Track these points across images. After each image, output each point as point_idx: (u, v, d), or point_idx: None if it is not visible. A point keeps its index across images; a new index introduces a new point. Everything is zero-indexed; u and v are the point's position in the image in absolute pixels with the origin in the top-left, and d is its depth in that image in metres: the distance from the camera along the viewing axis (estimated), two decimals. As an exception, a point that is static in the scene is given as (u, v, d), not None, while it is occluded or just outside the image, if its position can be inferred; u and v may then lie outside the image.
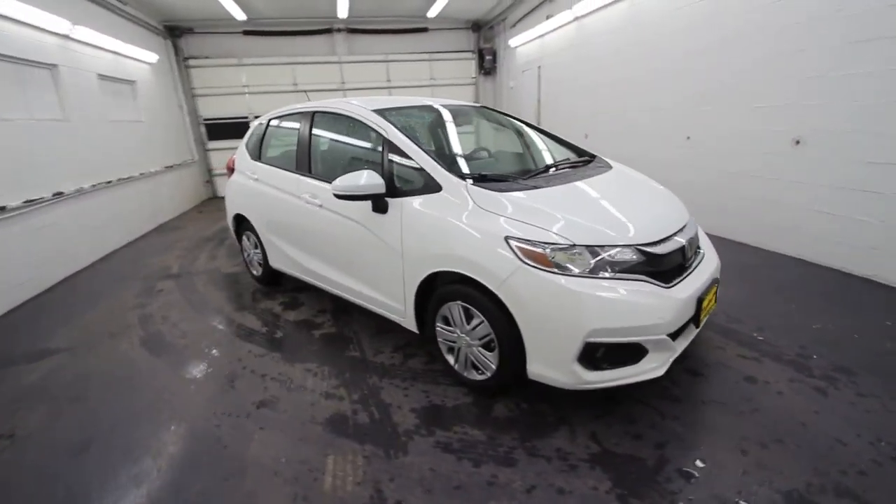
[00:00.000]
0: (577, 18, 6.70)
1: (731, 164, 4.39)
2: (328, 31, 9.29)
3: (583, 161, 2.91)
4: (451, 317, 2.30)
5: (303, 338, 3.10)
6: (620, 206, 2.24)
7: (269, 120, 3.75)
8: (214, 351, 2.97)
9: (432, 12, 8.82)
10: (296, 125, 3.39)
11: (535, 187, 2.29)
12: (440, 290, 2.33)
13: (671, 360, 2.01)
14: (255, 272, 4.16)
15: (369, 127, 2.72)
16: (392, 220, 2.45)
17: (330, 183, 2.85)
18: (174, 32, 8.26)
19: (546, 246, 1.92)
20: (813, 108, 3.59)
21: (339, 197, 2.47)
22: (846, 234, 3.49)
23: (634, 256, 1.97)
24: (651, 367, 1.98)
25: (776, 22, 3.79)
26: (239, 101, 9.12)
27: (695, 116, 4.81)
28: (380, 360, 2.74)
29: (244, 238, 4.12)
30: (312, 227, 3.08)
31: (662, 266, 2.04)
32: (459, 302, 2.22)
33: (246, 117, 9.19)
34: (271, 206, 3.49)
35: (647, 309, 1.90)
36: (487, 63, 9.97)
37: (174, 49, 8.30)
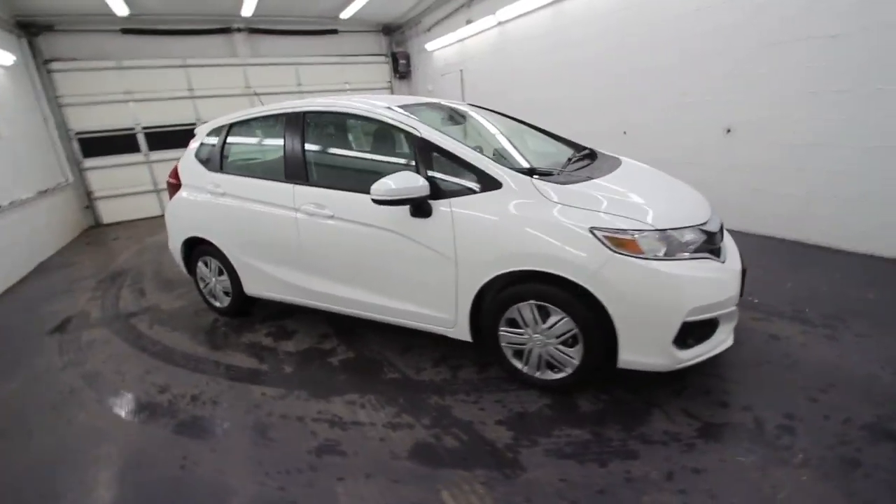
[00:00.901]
0: (500, 24, 6.95)
1: (667, 153, 4.91)
2: (226, 30, 8.38)
3: (589, 155, 2.99)
4: (520, 318, 2.20)
5: (320, 368, 2.72)
6: (665, 192, 2.35)
7: (231, 125, 3.23)
8: (218, 402, 2.46)
9: (347, 13, 8.47)
10: (276, 129, 2.97)
11: (589, 178, 2.30)
12: (505, 292, 2.21)
13: (733, 329, 2.17)
14: (218, 304, 3.55)
15: (393, 126, 2.48)
16: (439, 224, 2.26)
17: (341, 191, 2.59)
18: (30, 30, 6.73)
19: (634, 233, 1.93)
20: (739, 102, 4.18)
21: (379, 203, 2.23)
22: (777, 206, 4.12)
23: (699, 236, 2.08)
24: (723, 339, 2.11)
25: (699, 28, 4.33)
26: (121, 110, 7.76)
27: (628, 113, 5.29)
28: (427, 378, 2.52)
29: (200, 265, 3.50)
30: (316, 242, 2.72)
31: (714, 243, 2.19)
32: (532, 301, 2.13)
33: (133, 129, 7.88)
34: (249, 223, 3.01)
35: (723, 283, 2.02)
36: (402, 67, 9.88)
37: (31, 50, 6.77)
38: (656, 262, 1.91)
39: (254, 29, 8.61)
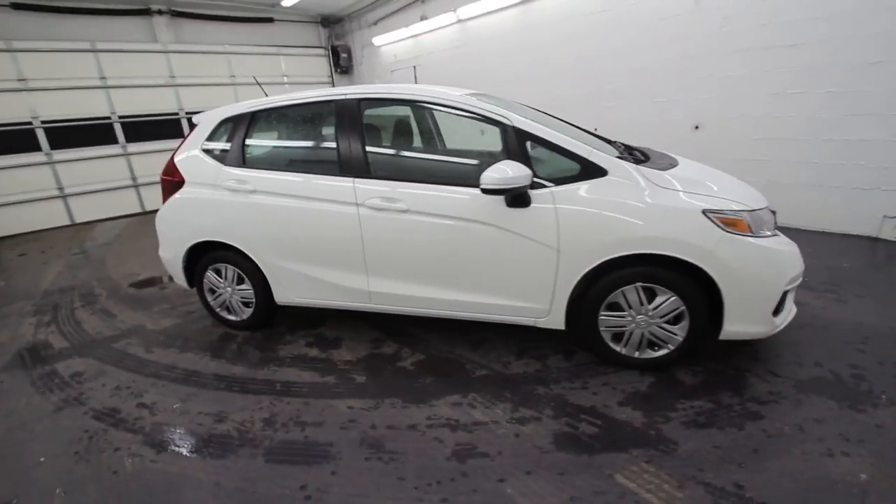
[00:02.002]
0: (461, 21, 7.01)
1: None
2: (145, 11, 7.34)
3: (628, 149, 3.14)
4: (624, 302, 2.27)
5: (397, 374, 2.54)
6: (727, 180, 2.57)
7: (254, 114, 2.85)
8: (302, 422, 2.17)
9: (288, 1, 7.88)
10: (322, 119, 2.71)
11: (672, 165, 2.44)
12: (608, 277, 2.26)
13: (793, 298, 2.46)
14: (234, 317, 3.13)
15: (478, 115, 2.39)
16: (539, 214, 2.24)
17: (418, 183, 2.46)
18: None
19: (742, 213, 2.11)
20: (707, 101, 4.71)
21: (489, 193, 2.15)
22: (739, 193, 4.72)
23: (771, 216, 2.33)
24: (791, 307, 2.39)
25: (671, 33, 4.80)
26: (14, 100, 6.41)
27: (598, 111, 5.67)
28: (519, 371, 2.48)
29: (209, 275, 3.04)
30: (384, 239, 2.53)
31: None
32: (639, 284, 2.22)
33: (30, 123, 6.54)
34: (291, 223, 2.69)
35: (798, 255, 2.29)
36: (343, 61, 9.47)
37: None
38: (761, 239, 2.10)
39: (177, 12, 7.66)
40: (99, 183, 7.31)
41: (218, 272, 3.02)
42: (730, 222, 2.08)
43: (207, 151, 2.93)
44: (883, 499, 1.57)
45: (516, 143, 2.31)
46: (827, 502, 1.57)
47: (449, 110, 2.51)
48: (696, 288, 2.16)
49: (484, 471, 1.82)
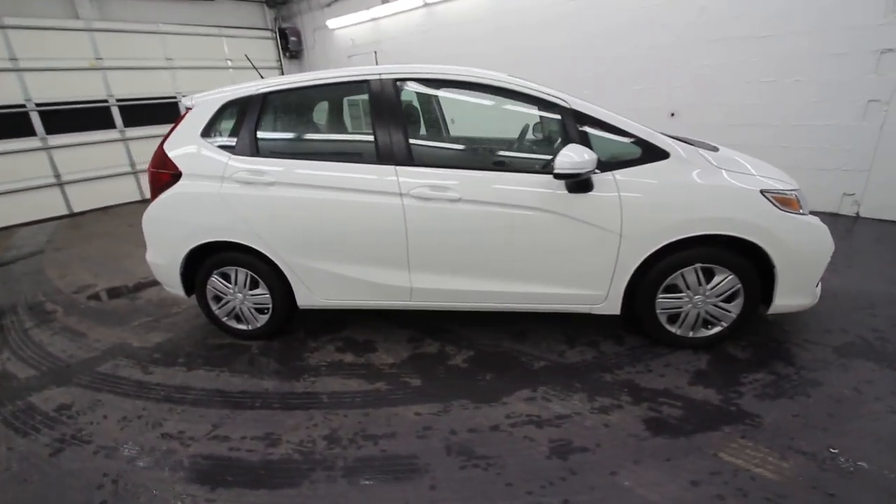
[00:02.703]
0: (427, 5, 6.79)
1: (615, 134, 5.53)
2: (61, -19, 6.33)
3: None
4: (683, 283, 2.30)
5: (452, 373, 2.40)
6: (761, 163, 2.67)
7: (266, 96, 2.51)
8: (372, 435, 1.97)
9: (234, -23, 7.18)
10: (351, 99, 2.45)
11: (715, 149, 2.50)
12: (666, 260, 2.27)
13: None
14: (244, 326, 2.80)
15: (532, 97, 2.29)
16: (602, 198, 2.19)
17: (472, 170, 2.32)
18: None
19: (792, 193, 2.20)
20: (683, 90, 4.95)
21: (562, 178, 2.07)
22: (712, 176, 5.03)
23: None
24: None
25: (649, 23, 4.96)
26: None
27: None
28: (577, 359, 2.44)
29: (214, 281, 2.68)
30: (433, 230, 2.35)
31: None
32: (698, 265, 2.26)
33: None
34: (322, 217, 2.43)
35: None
36: (293, 45, 8.86)
37: None
38: (809, 217, 2.21)
39: (101, -17, 6.69)
40: (14, 182, 6.25)
41: (226, 277, 2.68)
42: (784, 201, 2.17)
43: (209, 139, 2.55)
44: (958, 448, 1.72)
45: (573, 125, 2.24)
46: (915, 457, 1.70)
47: (489, 91, 2.38)
48: (749, 265, 2.23)
49: (591, 466, 1.76)
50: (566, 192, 2.20)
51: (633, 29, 5.09)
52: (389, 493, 1.69)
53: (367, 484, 1.73)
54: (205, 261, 2.66)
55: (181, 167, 2.55)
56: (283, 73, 9.04)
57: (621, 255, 2.27)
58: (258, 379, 2.44)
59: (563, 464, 1.77)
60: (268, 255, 2.54)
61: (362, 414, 2.13)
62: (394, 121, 2.35)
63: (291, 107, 2.62)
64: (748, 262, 2.23)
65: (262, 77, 2.90)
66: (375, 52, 7.85)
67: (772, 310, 2.31)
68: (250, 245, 2.53)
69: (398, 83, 2.37)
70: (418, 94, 2.68)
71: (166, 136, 2.65)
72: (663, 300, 2.36)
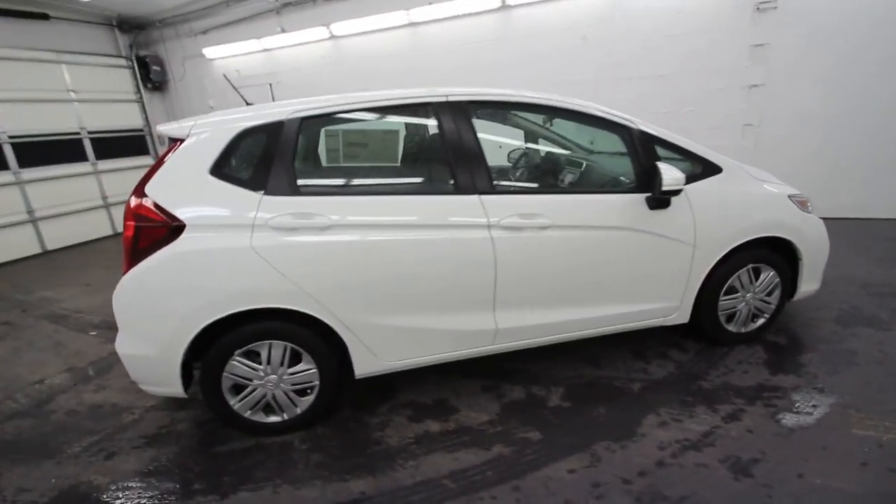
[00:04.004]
0: (334, 37, 6.46)
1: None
2: None
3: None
4: (739, 284, 2.50)
5: (563, 416, 2.17)
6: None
7: (305, 118, 1.99)
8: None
9: (82, -9, 5.82)
10: (414, 126, 2.12)
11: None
12: (727, 264, 2.43)
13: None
14: (278, 416, 2.13)
15: (602, 119, 2.28)
16: (678, 212, 2.28)
17: (558, 194, 2.25)
18: None
19: (804, 196, 2.59)
20: (652, 100, 5.40)
21: (667, 194, 2.10)
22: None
23: None
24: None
25: (564, 62, 5.51)
26: None
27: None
28: (664, 374, 2.44)
29: (235, 365, 1.99)
30: (523, 262, 2.14)
31: None
32: (750, 265, 2.49)
33: None
34: (396, 261, 2.01)
35: None
36: (155, 75, 7.54)
37: None
38: (814, 215, 2.63)
39: None
40: None
41: (252, 356, 2.01)
42: (802, 203, 2.55)
43: (223, 178, 1.93)
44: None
45: (644, 147, 2.30)
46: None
47: (562, 114, 2.34)
48: (785, 261, 2.55)
49: (776, 474, 1.74)
50: (646, 209, 2.24)
51: (552, 69, 5.59)
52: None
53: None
54: (217, 341, 1.96)
55: (183, 217, 1.87)
56: (144, 107, 7.58)
57: (694, 264, 2.38)
58: (341, 482, 1.86)
59: (753, 481, 1.72)
60: (321, 318, 1.99)
61: (512, 489, 1.76)
62: (469, 145, 2.11)
63: (335, 134, 2.16)
64: (782, 258, 2.54)
65: (247, 103, 2.38)
66: (271, 85, 7.14)
67: (796, 297, 2.67)
68: (298, 309, 1.96)
69: (469, 106, 2.15)
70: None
71: (146, 179, 1.93)
72: (724, 302, 2.53)
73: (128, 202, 1.93)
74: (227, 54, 7.14)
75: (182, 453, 2.10)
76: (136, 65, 7.42)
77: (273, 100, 7.18)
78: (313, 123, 2.06)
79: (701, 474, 1.77)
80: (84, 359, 3.12)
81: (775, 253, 2.52)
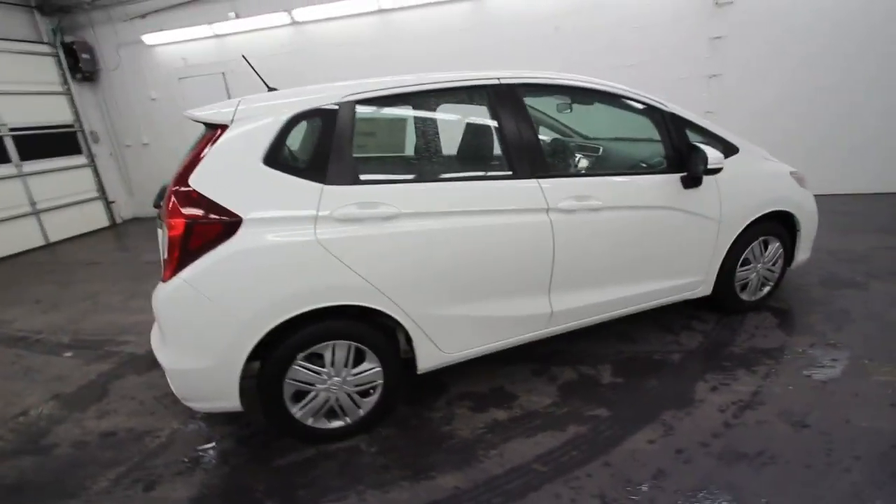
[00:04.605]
0: (296, 23, 6.11)
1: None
2: None
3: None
4: (752, 256, 2.71)
5: (621, 393, 2.24)
6: None
7: (358, 102, 1.87)
8: (649, 482, 1.68)
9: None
10: (467, 109, 2.06)
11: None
12: (744, 238, 2.62)
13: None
14: (341, 421, 2.01)
15: (639, 102, 2.36)
16: (707, 190, 2.43)
17: (607, 176, 2.33)
18: None
19: (799, 172, 2.84)
20: None
21: (709, 172, 2.22)
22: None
23: None
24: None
25: (536, 53, 5.62)
26: None
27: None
28: (697, 343, 2.59)
29: (297, 370, 1.85)
30: (578, 245, 2.19)
31: None
32: (762, 238, 2.70)
33: None
34: (461, 249, 1.97)
35: None
36: (85, 64, 6.73)
37: None
38: (808, 189, 2.90)
39: None
40: None
41: (315, 359, 1.88)
42: (801, 179, 2.80)
43: (282, 166, 1.77)
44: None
45: (675, 129, 2.41)
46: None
47: (600, 97, 2.40)
48: (786, 233, 2.80)
49: (827, 422, 1.91)
50: (681, 188, 2.36)
51: (525, 57, 5.67)
52: None
53: (717, 531, 1.49)
54: (278, 345, 1.81)
55: (240, 211, 1.69)
56: (73, 101, 6.73)
57: (719, 239, 2.54)
58: (428, 479, 1.79)
59: (811, 430, 1.88)
60: (388, 312, 1.90)
61: (603, 465, 1.80)
62: (523, 127, 2.09)
63: (390, 118, 2.04)
64: (784, 230, 2.79)
65: (267, 86, 2.21)
66: (224, 74, 6.62)
67: (793, 265, 2.94)
68: (367, 305, 1.85)
69: (518, 89, 2.12)
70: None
71: (186, 171, 1.72)
72: (740, 273, 2.73)
73: (169, 198, 1.71)
74: (171, 40, 6.52)
75: (237, 472, 1.92)
76: (61, 52, 6.56)
77: (227, 92, 6.69)
78: (368, 107, 1.94)
79: (765, 430, 1.91)
80: (70, 383, 2.74)
81: (779, 225, 2.76)
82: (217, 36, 6.41)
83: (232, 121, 1.76)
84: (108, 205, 7.24)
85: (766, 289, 2.90)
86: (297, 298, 1.75)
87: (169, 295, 1.68)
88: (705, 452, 1.82)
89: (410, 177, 2.01)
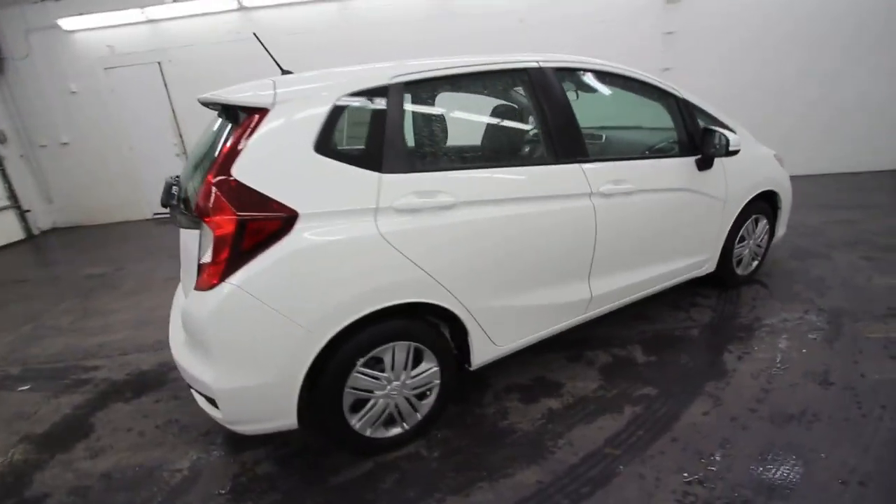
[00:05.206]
0: (244, 8, 5.64)
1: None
2: None
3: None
4: (747, 233, 2.91)
5: (660, 371, 2.31)
6: None
7: (406, 84, 1.73)
8: (718, 452, 1.74)
9: None
10: (506, 91, 2.01)
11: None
12: (742, 217, 2.81)
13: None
14: (401, 427, 1.88)
15: (657, 88, 2.43)
16: (715, 172, 2.57)
17: (637, 160, 2.40)
18: None
19: (780, 155, 3.10)
20: None
21: (731, 154, 2.34)
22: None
23: None
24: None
25: (503, 43, 5.65)
26: None
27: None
28: (709, 318, 2.75)
29: (357, 378, 1.70)
30: (615, 229, 2.22)
31: None
32: (754, 216, 2.91)
33: None
34: (512, 238, 1.92)
35: None
36: (-17, 51, 5.74)
37: None
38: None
39: None
40: None
41: (375, 364, 1.73)
42: (780, 160, 3.05)
43: (334, 154, 1.60)
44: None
45: (685, 113, 2.52)
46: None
47: (625, 82, 2.43)
48: (771, 210, 3.05)
49: (847, 377, 2.10)
50: (695, 170, 2.48)
51: (490, 48, 5.68)
52: (826, 482, 1.59)
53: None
54: (337, 352, 1.64)
55: (295, 205, 1.51)
56: (-32, 93, 5.73)
57: (724, 218, 2.71)
58: (507, 477, 1.72)
59: (836, 387, 2.06)
60: (449, 307, 1.80)
61: (671, 441, 1.84)
62: (563, 112, 2.08)
63: (436, 101, 1.92)
64: (770, 208, 3.03)
65: (281, 69, 2.03)
66: (160, 64, 5.97)
67: (775, 240, 3.21)
68: (429, 300, 1.74)
69: (557, 73, 2.10)
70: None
71: (227, 161, 1.50)
72: (737, 249, 2.92)
73: (207, 192, 1.47)
74: (94, 25, 5.77)
75: (292, 497, 1.73)
76: (-51, 36, 5.55)
77: (165, 84, 6.06)
78: (416, 89, 1.81)
79: (799, 390, 2.07)
80: (39, 421, 2.33)
81: (766, 204, 2.99)
82: (151, 21, 5.77)
83: (273, 104, 1.56)
84: (23, 214, 6.27)
85: (755, 263, 3.14)
86: (364, 298, 1.60)
87: (220, 304, 1.45)
88: (757, 417, 1.93)
89: (463, 164, 1.91)
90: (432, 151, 1.89)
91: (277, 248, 1.49)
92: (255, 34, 2.24)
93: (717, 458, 1.74)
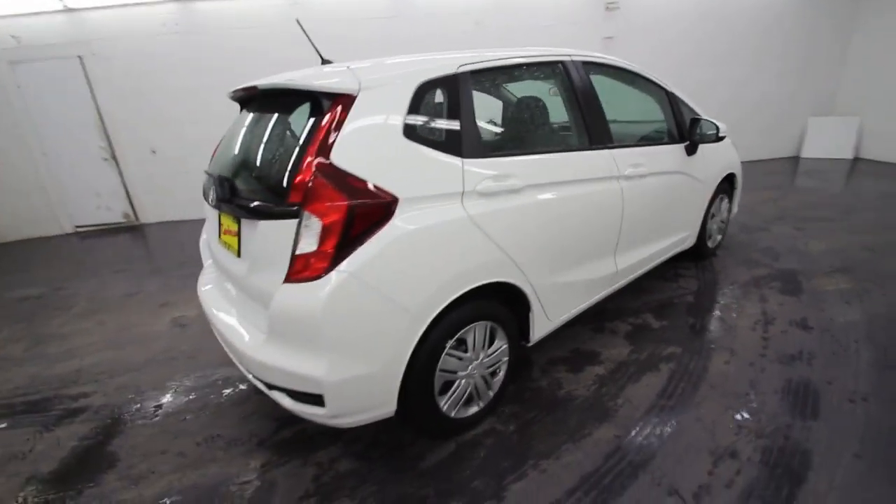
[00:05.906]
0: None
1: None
2: None
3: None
4: (717, 210, 3.35)
5: (679, 334, 2.59)
6: None
7: (472, 73, 1.78)
8: (774, 396, 2.02)
9: None
10: (547, 81, 2.14)
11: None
12: (712, 197, 3.23)
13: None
14: (478, 405, 1.95)
15: (650, 81, 2.71)
16: (698, 157, 2.93)
17: (648, 146, 2.68)
18: None
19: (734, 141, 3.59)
20: None
21: (720, 139, 2.68)
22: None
23: None
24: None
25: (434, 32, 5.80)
26: None
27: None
28: (696, 286, 3.11)
29: (447, 360, 1.73)
30: (635, 209, 2.46)
31: None
32: (720, 195, 3.35)
33: None
34: (564, 218, 2.07)
35: None
36: None
37: None
38: (736, 155, 3.68)
39: None
40: None
41: (457, 346, 1.78)
42: (735, 146, 3.54)
43: (421, 139, 1.61)
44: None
45: (673, 105, 2.84)
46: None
47: (628, 76, 2.68)
48: (731, 190, 3.53)
49: (821, 322, 2.54)
50: (685, 155, 2.82)
51: (446, 49, 5.81)
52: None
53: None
54: (430, 334, 1.67)
55: (394, 190, 1.51)
56: None
57: (703, 197, 3.10)
58: (586, 437, 1.85)
59: (815, 330, 2.49)
60: (519, 285, 1.90)
61: (710, 388, 2.10)
62: (593, 101, 2.27)
63: (493, 90, 1.98)
64: (729, 187, 3.51)
65: (322, 58, 2.03)
66: (81, 58, 5.28)
67: (731, 216, 3.71)
68: (507, 280, 1.82)
69: (585, 66, 2.29)
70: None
71: (322, 146, 1.46)
72: (709, 225, 3.35)
73: (306, 179, 1.42)
74: (-6, 12, 4.95)
75: (387, 488, 1.71)
76: None
77: (88, 81, 5.39)
78: (480, 78, 1.87)
79: (790, 336, 2.46)
80: (42, 459, 2.01)
81: (727, 185, 3.46)
82: (69, 10, 5.09)
83: (359, 90, 1.55)
84: None
85: (720, 237, 3.61)
86: (460, 280, 1.64)
87: (331, 293, 1.41)
88: (768, 360, 2.26)
89: (523, 149, 2.01)
90: (498, 137, 1.97)
91: (383, 234, 1.48)
92: (297, 20, 2.15)
93: (752, 396, 2.02)
